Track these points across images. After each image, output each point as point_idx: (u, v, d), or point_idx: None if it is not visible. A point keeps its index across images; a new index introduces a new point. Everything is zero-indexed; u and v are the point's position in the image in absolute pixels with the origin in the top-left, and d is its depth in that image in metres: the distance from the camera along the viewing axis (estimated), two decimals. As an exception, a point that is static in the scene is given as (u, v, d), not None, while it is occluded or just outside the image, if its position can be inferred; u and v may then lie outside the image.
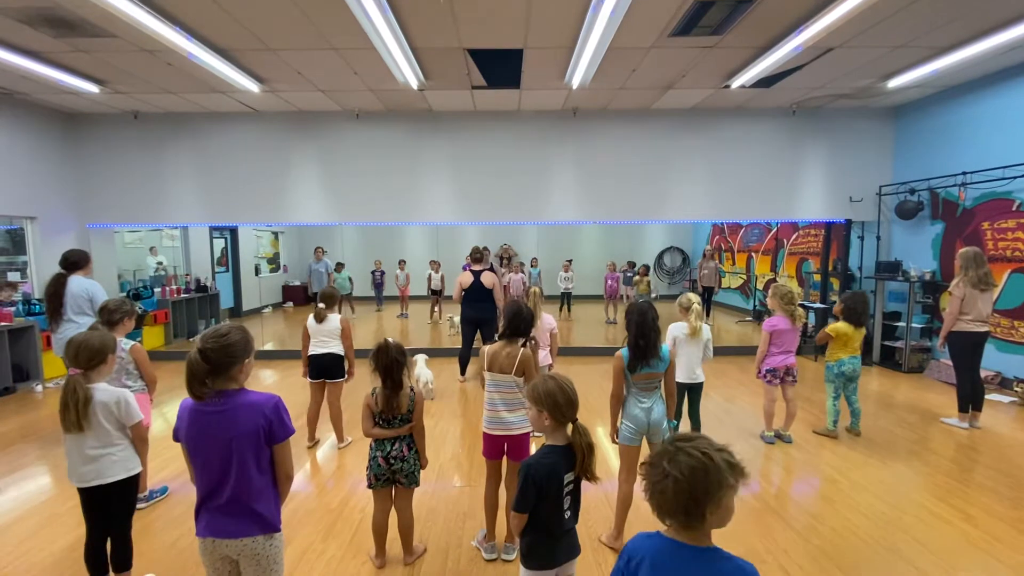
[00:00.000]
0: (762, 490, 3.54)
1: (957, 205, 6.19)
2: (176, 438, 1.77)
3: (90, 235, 7.31)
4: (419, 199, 7.38)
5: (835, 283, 7.84)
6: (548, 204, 7.40)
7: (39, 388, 6.04)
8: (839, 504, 3.32)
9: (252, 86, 5.85)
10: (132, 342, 3.20)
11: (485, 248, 6.24)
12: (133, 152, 7.24)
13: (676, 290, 13.91)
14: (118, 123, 7.19)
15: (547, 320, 4.50)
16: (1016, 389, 5.44)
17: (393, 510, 2.68)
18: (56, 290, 4.27)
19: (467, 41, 4.82)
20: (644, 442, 2.81)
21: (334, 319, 4.16)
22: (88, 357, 2.25)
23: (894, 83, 5.94)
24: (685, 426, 4.00)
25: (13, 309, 6.07)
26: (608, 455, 3.98)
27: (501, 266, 11.63)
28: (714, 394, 5.58)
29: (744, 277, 11.70)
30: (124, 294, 7.73)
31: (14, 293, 6.47)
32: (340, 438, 4.33)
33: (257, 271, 12.15)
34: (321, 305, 4.15)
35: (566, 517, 1.87)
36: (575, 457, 1.84)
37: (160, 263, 9.75)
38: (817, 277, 8.47)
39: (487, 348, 2.79)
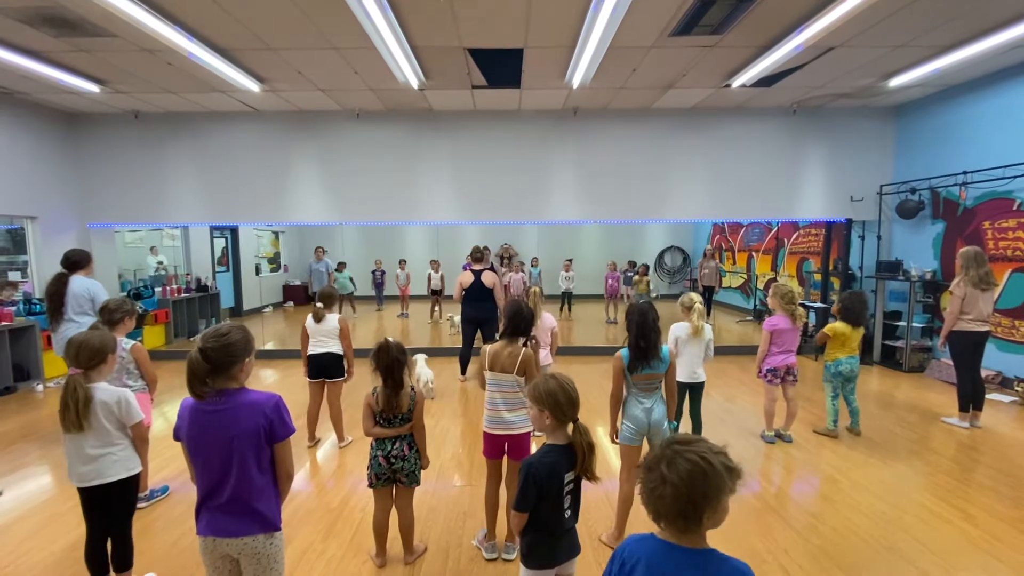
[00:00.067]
0: (762, 490, 3.53)
1: (958, 204, 6.18)
2: (177, 437, 1.77)
3: (91, 235, 7.31)
4: (419, 199, 7.38)
5: (836, 283, 7.84)
6: (548, 204, 7.39)
7: (40, 388, 6.04)
8: (839, 504, 3.32)
9: (252, 86, 5.85)
10: (133, 341, 3.20)
11: (485, 248, 6.24)
12: (134, 152, 7.24)
13: (677, 290, 13.91)
14: (119, 123, 7.19)
15: (547, 319, 4.50)
16: (1017, 389, 5.44)
17: (394, 509, 2.68)
18: (57, 289, 4.27)
19: (467, 40, 4.81)
20: (645, 442, 2.81)
21: (332, 319, 4.16)
22: (88, 357, 2.25)
23: (895, 82, 5.93)
24: (686, 425, 4.00)
25: (14, 309, 6.07)
26: (608, 455, 3.98)
27: (502, 265, 11.63)
28: (715, 394, 5.58)
29: (745, 276, 11.70)
30: (125, 294, 7.74)
31: (15, 293, 6.47)
32: (340, 437, 4.33)
33: (258, 271, 12.16)
34: (319, 305, 4.15)
35: (566, 516, 1.87)
36: (575, 456, 1.84)
37: (160, 263, 9.76)
38: (818, 276, 8.47)
39: (488, 347, 2.79)
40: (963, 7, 4.21)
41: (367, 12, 3.96)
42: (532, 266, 11.44)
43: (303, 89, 6.18)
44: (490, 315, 5.78)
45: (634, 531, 2.84)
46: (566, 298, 10.70)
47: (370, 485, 2.61)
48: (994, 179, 5.67)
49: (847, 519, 3.14)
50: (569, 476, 1.84)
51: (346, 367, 4.24)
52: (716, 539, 2.83)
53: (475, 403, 5.35)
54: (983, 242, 5.82)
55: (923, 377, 6.33)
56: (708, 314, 4.66)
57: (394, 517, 2.69)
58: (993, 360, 5.67)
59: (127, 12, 3.93)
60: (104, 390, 2.28)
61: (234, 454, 1.68)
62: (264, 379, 6.50)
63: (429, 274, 10.40)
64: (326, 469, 3.94)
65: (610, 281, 10.49)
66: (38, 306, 6.18)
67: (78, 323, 4.22)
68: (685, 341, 3.81)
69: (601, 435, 4.25)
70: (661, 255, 14.23)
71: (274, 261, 13.11)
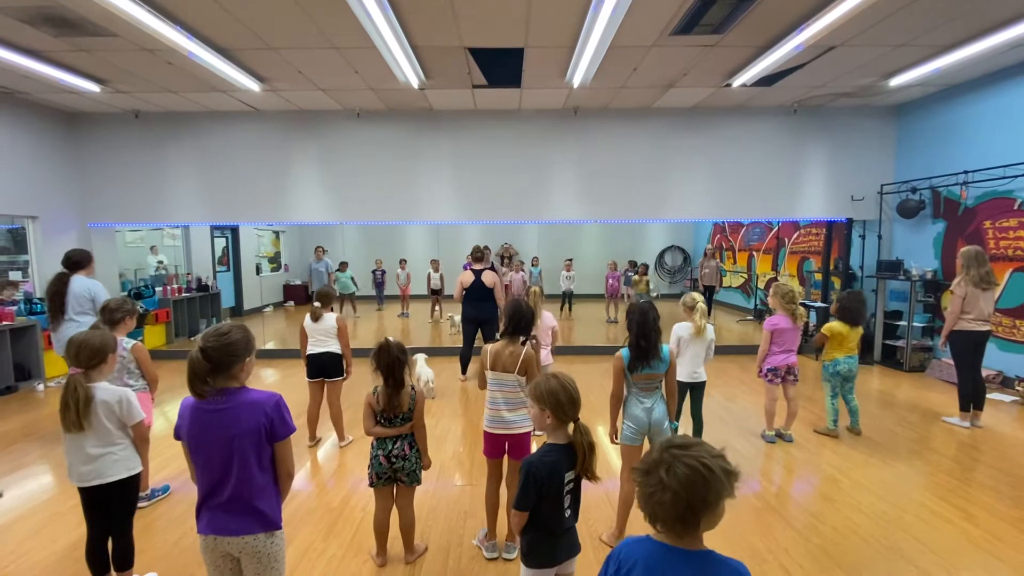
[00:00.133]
0: (763, 489, 3.53)
1: (959, 204, 6.18)
2: (177, 436, 1.78)
3: (91, 234, 7.31)
4: (420, 198, 7.38)
5: (836, 282, 7.84)
6: (549, 203, 7.39)
7: (40, 387, 6.05)
8: (840, 503, 3.32)
9: (253, 85, 5.85)
10: (133, 341, 3.20)
11: (486, 247, 6.24)
12: (134, 151, 7.24)
13: (677, 289, 13.92)
14: (119, 122, 7.19)
15: (547, 318, 4.51)
16: (1017, 388, 5.44)
17: (394, 509, 2.69)
18: (58, 289, 4.28)
19: (468, 40, 4.81)
20: (646, 441, 2.82)
21: (330, 318, 4.17)
22: (89, 356, 2.25)
23: (895, 82, 5.93)
24: (686, 425, 4.00)
25: (15, 308, 6.08)
26: (609, 455, 3.98)
27: (502, 265, 11.63)
28: (715, 393, 5.58)
29: (745, 276, 11.70)
30: (125, 293, 7.74)
31: (16, 292, 6.47)
32: (341, 437, 4.34)
33: (258, 270, 12.16)
34: (317, 304, 4.16)
35: (566, 516, 1.87)
36: (576, 456, 1.84)
37: (161, 262, 9.76)
38: (818, 276, 8.46)
39: (489, 347, 2.79)
40: (963, 7, 4.21)
41: (367, 11, 3.96)
42: (532, 265, 11.44)
43: (303, 89, 6.18)
44: (491, 315, 5.78)
45: (634, 530, 2.85)
46: (567, 298, 10.70)
47: (371, 484, 2.61)
48: (995, 178, 5.67)
49: (848, 519, 3.14)
50: (569, 476, 1.84)
51: (345, 366, 4.24)
52: (716, 538, 2.84)
53: (475, 403, 5.35)
54: (984, 242, 5.82)
55: (924, 377, 6.33)
56: (708, 314, 4.65)
57: (395, 516, 2.69)
58: (994, 360, 5.67)
59: (127, 12, 3.93)
60: (105, 389, 2.28)
61: (235, 453, 1.68)
62: (265, 378, 6.51)
63: (429, 274, 10.41)
64: (327, 468, 3.94)
65: (611, 281, 10.48)
66: (39, 306, 6.18)
67: (79, 323, 4.22)
68: (687, 341, 3.80)
69: (601, 435, 4.25)
70: (662, 255, 14.22)
71: (275, 261, 13.12)
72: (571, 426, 1.88)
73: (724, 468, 1.09)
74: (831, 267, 7.94)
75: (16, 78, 5.61)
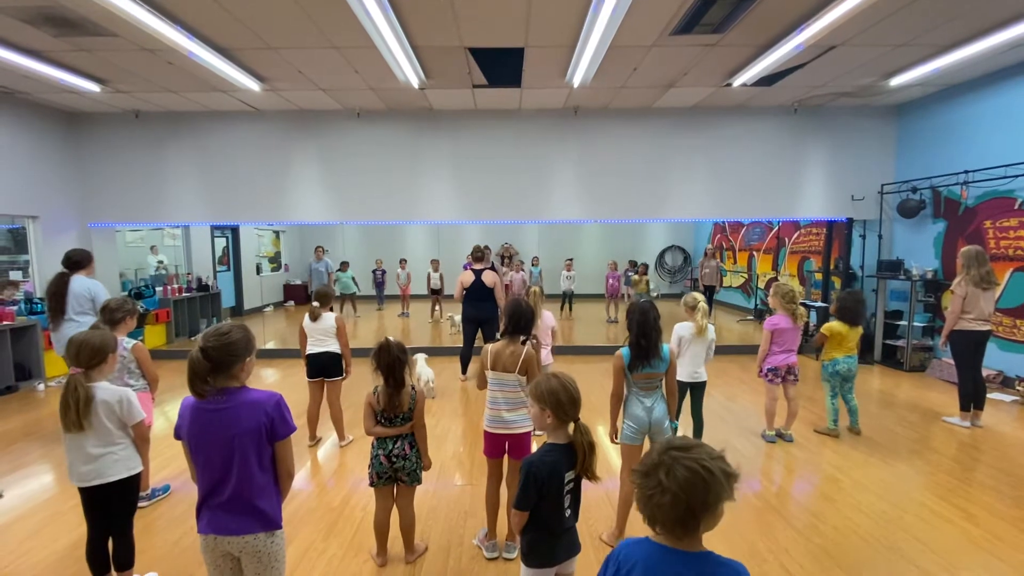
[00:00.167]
0: (763, 489, 3.53)
1: (959, 204, 6.17)
2: (178, 436, 1.78)
3: (91, 234, 7.32)
4: (420, 198, 7.38)
5: (837, 282, 7.83)
6: (549, 203, 7.39)
7: (41, 387, 6.05)
8: (840, 503, 3.32)
9: (253, 85, 5.85)
10: (134, 341, 3.20)
11: (486, 247, 6.24)
12: (134, 151, 7.24)
13: (677, 289, 13.91)
14: (119, 122, 7.19)
15: (547, 318, 4.51)
16: (1018, 388, 5.44)
17: (395, 508, 2.69)
18: (58, 289, 4.28)
19: (468, 40, 4.81)
20: (646, 441, 2.81)
21: (329, 317, 4.17)
22: (89, 356, 2.25)
23: (896, 81, 5.92)
24: (687, 424, 4.00)
25: (15, 308, 6.08)
26: (609, 454, 3.98)
27: (502, 265, 11.63)
28: (716, 393, 5.58)
29: (745, 276, 11.70)
30: (126, 293, 7.74)
31: (16, 292, 6.48)
32: (341, 436, 4.34)
33: (258, 270, 12.17)
34: (315, 304, 4.17)
35: (566, 515, 1.87)
36: (576, 456, 1.84)
37: (161, 262, 9.77)
38: (819, 276, 8.46)
39: (490, 347, 2.79)
40: (963, 7, 4.21)
41: (368, 11, 3.96)
42: (533, 265, 11.44)
43: (304, 88, 6.18)
44: (491, 314, 5.78)
45: (634, 530, 2.85)
46: (567, 298, 10.70)
47: (371, 484, 2.61)
48: (995, 178, 5.66)
49: (848, 518, 3.14)
50: (569, 475, 1.84)
51: (344, 366, 4.24)
52: (717, 538, 2.84)
53: (475, 402, 5.35)
54: (984, 241, 5.82)
55: (924, 376, 6.33)
56: (708, 314, 4.65)
57: (395, 516, 2.69)
58: (994, 359, 5.67)
59: (128, 11, 3.93)
60: (105, 389, 2.28)
61: (235, 452, 1.68)
62: (265, 378, 6.51)
63: (428, 273, 10.41)
64: (327, 468, 3.94)
65: (611, 280, 10.48)
66: (39, 305, 6.19)
67: (79, 323, 4.23)
68: (689, 340, 3.80)
69: (602, 434, 4.25)
70: (662, 254, 14.22)
71: (275, 260, 13.12)
72: (571, 426, 1.88)
73: (724, 470, 1.08)
74: (831, 267, 7.94)
75: (16, 78, 5.62)
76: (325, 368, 4.18)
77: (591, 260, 12.73)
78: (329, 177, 7.33)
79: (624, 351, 2.77)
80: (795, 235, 9.71)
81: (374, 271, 11.56)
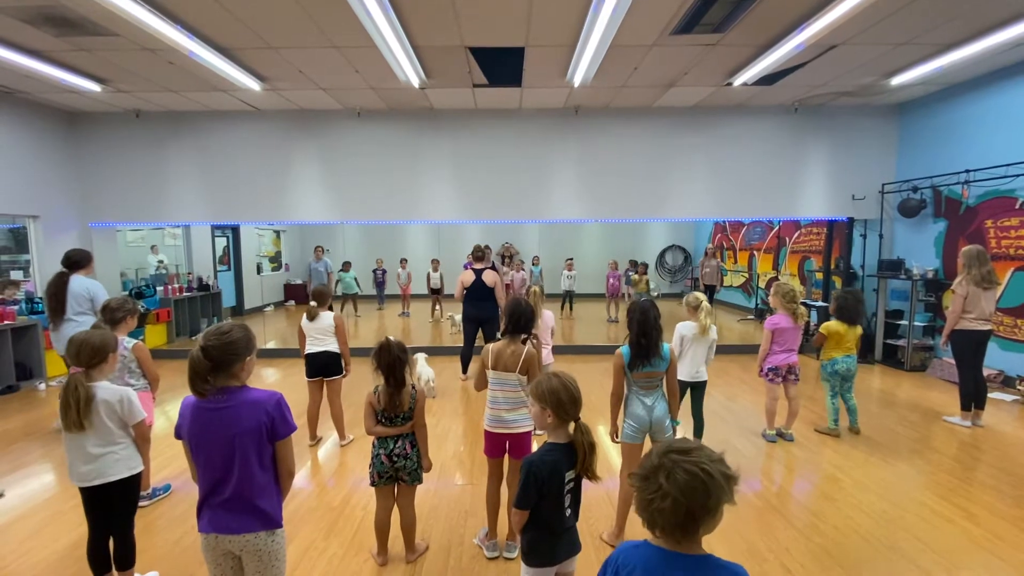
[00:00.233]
0: (764, 488, 3.53)
1: (960, 203, 6.17)
2: (178, 435, 1.78)
3: (92, 234, 7.32)
4: (420, 197, 7.37)
5: (837, 281, 7.83)
6: (549, 202, 7.39)
7: (42, 386, 6.06)
8: (841, 502, 3.32)
9: (253, 84, 5.85)
10: (134, 340, 3.21)
11: (487, 246, 6.24)
12: (135, 151, 7.25)
13: (678, 289, 13.91)
14: (120, 122, 7.19)
15: (548, 318, 4.51)
16: (1019, 387, 5.43)
17: (395, 508, 2.69)
18: (58, 289, 4.29)
19: (468, 39, 4.81)
20: (647, 440, 2.81)
21: (327, 316, 4.17)
22: (89, 356, 2.25)
23: (897, 80, 5.92)
24: (687, 424, 4.00)
25: (16, 308, 6.08)
26: (609, 454, 3.98)
27: (503, 264, 11.63)
28: (716, 392, 5.58)
29: (746, 275, 11.69)
30: (127, 293, 7.75)
31: (17, 292, 6.48)
32: (342, 436, 4.34)
33: (259, 270, 12.17)
34: (313, 303, 4.17)
35: (567, 515, 1.87)
36: (576, 455, 1.84)
37: (161, 261, 9.78)
38: (819, 275, 8.45)
39: (491, 346, 2.79)
40: (963, 6, 4.20)
41: (368, 11, 3.96)
42: (533, 265, 11.44)
43: (304, 88, 6.18)
44: (491, 314, 5.78)
45: (635, 529, 2.85)
46: (567, 297, 10.70)
47: (372, 483, 2.62)
48: (996, 177, 5.65)
49: (848, 518, 3.13)
50: (570, 475, 1.84)
51: (343, 364, 4.24)
52: (717, 537, 2.84)
53: (476, 402, 5.35)
54: (985, 241, 5.81)
55: (925, 376, 6.32)
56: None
57: (396, 516, 2.69)
58: (995, 359, 5.66)
59: (128, 11, 3.93)
60: (106, 389, 2.28)
61: (236, 452, 1.68)
62: (265, 378, 6.51)
63: (428, 273, 10.42)
64: (327, 468, 3.94)
65: (611, 280, 10.48)
66: (40, 305, 6.19)
67: (78, 323, 4.24)
68: (690, 340, 3.80)
69: (602, 434, 4.25)
70: (662, 254, 14.21)
71: (275, 260, 13.12)
72: (572, 425, 1.88)
73: (724, 473, 1.07)
74: (832, 266, 7.94)
75: (17, 78, 5.62)
76: (324, 367, 4.18)
77: (592, 259, 12.72)
78: (330, 177, 7.33)
79: (624, 350, 2.77)
80: (796, 234, 9.70)
81: (374, 271, 11.56)
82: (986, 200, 5.86)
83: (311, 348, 4.16)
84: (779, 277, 10.10)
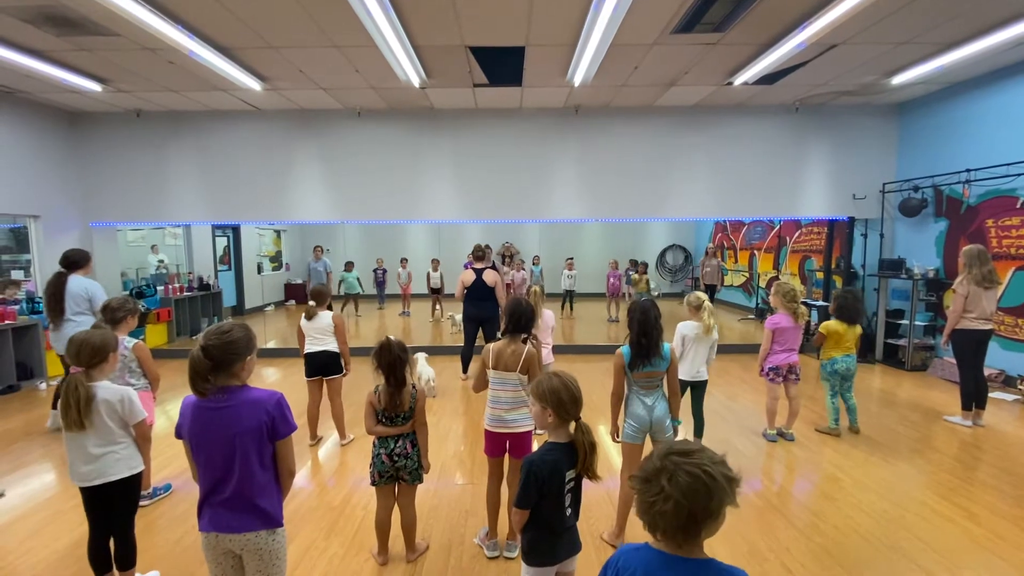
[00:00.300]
0: (764, 488, 3.53)
1: (961, 202, 6.16)
2: (179, 435, 1.78)
3: (93, 233, 7.32)
4: (421, 197, 7.37)
5: (838, 281, 7.82)
6: (550, 202, 7.39)
7: (43, 386, 6.06)
8: (841, 502, 3.32)
9: (254, 84, 5.85)
10: (135, 340, 3.21)
11: (487, 246, 6.24)
12: (135, 151, 7.25)
13: (678, 288, 13.91)
14: (120, 121, 7.20)
15: (548, 317, 4.51)
16: (1020, 387, 5.43)
17: (396, 507, 2.69)
18: (56, 290, 4.29)
19: (469, 39, 4.81)
20: (648, 440, 2.81)
21: (325, 316, 4.17)
22: (89, 355, 2.25)
23: (898, 80, 5.91)
24: (688, 424, 3.99)
25: (17, 307, 6.09)
26: (610, 453, 3.98)
27: (503, 264, 11.64)
28: (716, 392, 5.57)
29: (747, 275, 11.68)
30: (127, 292, 7.75)
31: (18, 291, 6.49)
32: (342, 435, 4.34)
33: (259, 269, 12.18)
34: (312, 303, 4.17)
35: (567, 514, 1.87)
36: (577, 455, 1.84)
37: (161, 261, 9.78)
38: (820, 275, 8.45)
39: (491, 346, 2.79)
40: (963, 5, 4.19)
41: (368, 10, 3.96)
42: (533, 264, 11.44)
43: (304, 87, 6.18)
44: (492, 314, 5.78)
45: (635, 529, 2.85)
46: (568, 297, 10.70)
47: (373, 483, 2.62)
48: (997, 177, 5.65)
49: (849, 517, 3.13)
50: (570, 474, 1.84)
51: (343, 363, 4.24)
52: (718, 537, 2.83)
53: (476, 401, 5.35)
54: (986, 240, 5.80)
55: (926, 376, 6.32)
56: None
57: (396, 515, 2.69)
58: (996, 358, 5.65)
59: (129, 11, 3.93)
60: (107, 388, 2.28)
61: (236, 451, 1.69)
62: (266, 377, 6.52)
63: (428, 273, 10.42)
64: (328, 467, 3.94)
65: (612, 279, 10.47)
66: (41, 305, 6.19)
67: (76, 323, 4.24)
68: (692, 340, 3.80)
69: (603, 433, 4.25)
70: (663, 253, 14.20)
71: (276, 260, 13.13)
72: (572, 425, 1.88)
73: (726, 475, 1.06)
74: (833, 266, 7.93)
75: (18, 77, 5.62)
76: (323, 367, 4.18)
77: (592, 259, 12.72)
78: (330, 176, 7.33)
79: (625, 350, 2.77)
80: (796, 234, 9.69)
81: (375, 270, 11.56)
82: (987, 199, 5.85)
83: (310, 348, 4.16)
84: (780, 277, 10.09)
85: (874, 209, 7.27)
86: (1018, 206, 5.51)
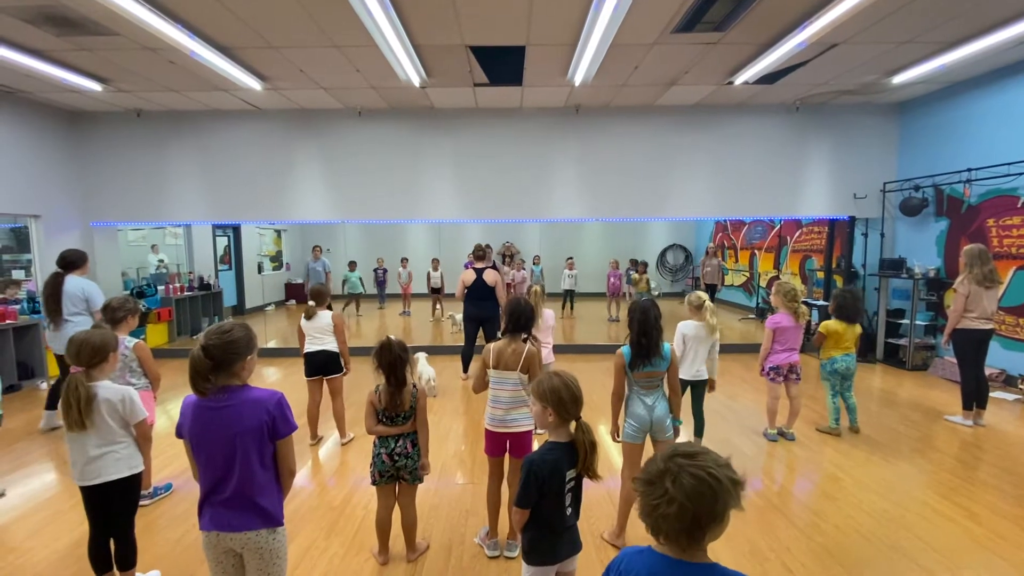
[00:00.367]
0: (765, 488, 3.53)
1: (962, 202, 6.15)
2: (179, 434, 1.78)
3: (93, 233, 7.33)
4: (421, 197, 7.37)
5: (839, 280, 7.82)
6: (550, 201, 7.38)
7: (43, 385, 6.06)
8: (842, 502, 3.32)
9: (254, 84, 5.85)
10: (136, 340, 3.21)
11: (487, 246, 6.24)
12: (136, 150, 7.25)
13: (679, 288, 13.90)
14: (121, 121, 7.20)
15: (548, 317, 4.51)
16: (1021, 387, 5.42)
17: (396, 507, 2.69)
18: (54, 290, 4.30)
19: (469, 38, 4.80)
20: (648, 439, 2.81)
21: (325, 316, 4.18)
22: (90, 355, 2.25)
23: (898, 79, 5.90)
24: (688, 424, 3.99)
25: (18, 307, 6.09)
26: (610, 453, 3.98)
27: (504, 264, 11.64)
28: (717, 391, 5.52)
29: (747, 274, 11.68)
30: (128, 292, 7.76)
31: (18, 291, 6.49)
32: (342, 434, 4.35)
33: (260, 269, 12.18)
34: (312, 303, 4.17)
35: (568, 514, 1.87)
36: (577, 454, 1.84)
37: (161, 261, 9.78)
38: (821, 274, 8.44)
39: (492, 346, 2.79)
40: (964, 5, 4.19)
41: (369, 10, 3.96)
42: (534, 264, 11.44)
43: (305, 87, 6.18)
44: (492, 313, 5.78)
45: (636, 529, 2.85)
46: (568, 296, 10.70)
47: (373, 482, 2.62)
48: (998, 176, 5.64)
49: (850, 517, 3.13)
50: (571, 474, 1.84)
51: (343, 362, 4.24)
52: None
53: (476, 401, 5.35)
54: (987, 240, 5.80)
55: (926, 375, 6.31)
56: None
57: (396, 515, 2.69)
58: (997, 358, 5.65)
59: (129, 11, 3.93)
60: (107, 388, 2.29)
61: (237, 450, 1.69)
62: (266, 377, 6.52)
63: (428, 272, 10.42)
64: (328, 467, 3.94)
65: (612, 279, 10.47)
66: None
67: (74, 323, 4.24)
68: (692, 339, 3.80)
69: (603, 433, 4.24)
70: (663, 253, 14.20)
71: (276, 259, 13.13)
72: (573, 424, 1.88)
73: (731, 478, 1.04)
74: (833, 265, 7.93)
75: (18, 77, 5.62)
76: (323, 366, 4.19)
77: (592, 259, 12.72)
78: (330, 176, 7.33)
79: (625, 350, 2.77)
80: (797, 233, 9.69)
81: (375, 270, 11.57)
82: (988, 199, 5.84)
83: (310, 347, 4.17)
84: (780, 276, 10.09)
85: (875, 208, 7.26)
86: (1019, 205, 5.50)
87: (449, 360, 6.90)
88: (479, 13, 4.30)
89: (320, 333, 4.16)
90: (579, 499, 1.92)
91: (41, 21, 4.33)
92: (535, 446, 2.19)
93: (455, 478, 3.70)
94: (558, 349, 4.84)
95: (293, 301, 12.98)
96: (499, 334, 2.90)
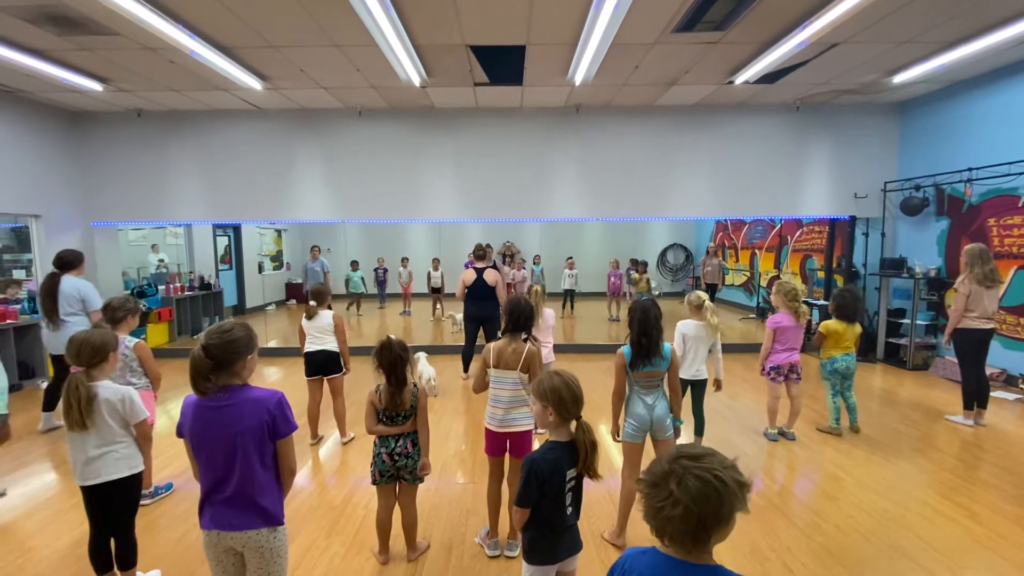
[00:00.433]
0: (765, 487, 3.53)
1: (963, 201, 6.15)
2: (180, 434, 1.78)
3: (94, 233, 7.33)
4: (422, 196, 7.37)
5: (839, 280, 7.81)
6: (551, 201, 7.38)
7: (44, 385, 6.05)
8: (842, 502, 3.32)
9: (255, 83, 5.85)
10: (136, 339, 3.21)
11: (488, 245, 6.24)
12: (136, 150, 7.25)
13: (679, 287, 13.90)
14: (121, 121, 7.20)
15: (548, 317, 4.51)
16: (1021, 386, 5.42)
17: (397, 506, 2.69)
18: (50, 291, 4.30)
19: (469, 38, 4.80)
20: (648, 439, 2.81)
21: (326, 315, 4.18)
22: (90, 355, 2.25)
23: (899, 78, 5.90)
24: (688, 423, 3.99)
25: (18, 307, 6.09)
26: (611, 452, 3.98)
27: (504, 263, 11.64)
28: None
29: (748, 274, 11.67)
30: (128, 292, 7.76)
31: (19, 291, 6.49)
32: (343, 433, 4.35)
33: (260, 268, 12.19)
34: (312, 303, 4.18)
35: (568, 513, 1.87)
36: (578, 454, 1.84)
37: (162, 260, 9.79)
38: (821, 274, 8.44)
39: (492, 345, 2.79)
40: (964, 4, 4.18)
41: (369, 10, 3.95)
42: (534, 264, 11.44)
43: (305, 87, 6.18)
44: (492, 313, 5.77)
45: (636, 528, 2.85)
46: (569, 296, 10.70)
47: (374, 482, 2.62)
48: (999, 175, 5.63)
49: (850, 517, 3.13)
50: (571, 473, 1.84)
51: (343, 362, 4.25)
52: (719, 536, 2.80)
53: (477, 401, 5.35)
54: (988, 239, 5.80)
55: (927, 375, 6.31)
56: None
57: (397, 514, 2.70)
58: (998, 358, 5.65)
59: (130, 10, 3.93)
60: (108, 388, 2.29)
61: (237, 450, 1.69)
62: (267, 377, 6.52)
63: (429, 272, 10.43)
64: (328, 467, 3.94)
65: (613, 279, 10.47)
66: (42, 304, 6.20)
67: (71, 323, 4.24)
68: (692, 339, 3.80)
69: (603, 432, 4.24)
70: (664, 253, 14.20)
71: (277, 259, 13.14)
72: (573, 424, 1.88)
73: (737, 480, 1.03)
74: (834, 265, 7.92)
75: (19, 77, 5.62)
76: (323, 366, 4.19)
77: (593, 258, 12.72)
78: (331, 176, 7.33)
79: (625, 349, 2.77)
80: (797, 233, 9.68)
81: (376, 269, 11.58)
82: (989, 198, 5.84)
83: (310, 347, 4.17)
84: (781, 276, 10.08)
85: (875, 208, 7.26)
86: (1020, 205, 5.50)
87: (449, 360, 6.90)
88: (479, 13, 4.30)
89: (321, 333, 4.16)
90: (579, 499, 1.92)
91: (42, 21, 4.33)
92: (535, 446, 2.19)
93: (455, 478, 3.70)
94: (558, 349, 4.84)
95: (293, 301, 12.98)
96: (499, 334, 2.90)
